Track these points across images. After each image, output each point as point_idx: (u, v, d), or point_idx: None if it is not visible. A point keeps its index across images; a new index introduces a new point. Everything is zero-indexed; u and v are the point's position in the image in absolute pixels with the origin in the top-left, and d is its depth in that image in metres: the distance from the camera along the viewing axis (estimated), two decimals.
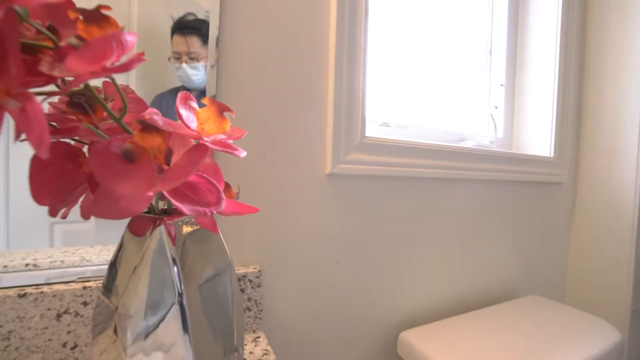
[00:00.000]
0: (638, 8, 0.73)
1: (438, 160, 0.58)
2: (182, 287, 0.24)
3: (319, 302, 0.49)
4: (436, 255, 0.61)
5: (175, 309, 0.24)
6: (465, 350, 0.47)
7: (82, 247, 0.37)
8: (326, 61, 0.48)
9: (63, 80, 0.21)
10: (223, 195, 0.24)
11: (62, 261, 0.36)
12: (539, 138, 0.80)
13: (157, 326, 0.23)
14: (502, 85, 0.83)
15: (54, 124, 0.23)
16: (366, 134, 0.52)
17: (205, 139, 0.23)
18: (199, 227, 0.28)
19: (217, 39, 0.41)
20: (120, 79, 0.35)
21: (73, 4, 0.20)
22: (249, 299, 0.42)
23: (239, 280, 0.42)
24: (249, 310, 0.42)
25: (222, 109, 0.23)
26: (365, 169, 0.49)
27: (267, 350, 0.38)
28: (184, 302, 0.24)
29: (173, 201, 0.21)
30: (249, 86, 0.43)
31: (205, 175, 0.24)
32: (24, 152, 0.33)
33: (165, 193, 0.22)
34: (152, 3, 0.39)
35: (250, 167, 0.44)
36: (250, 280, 0.42)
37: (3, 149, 0.34)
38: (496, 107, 0.78)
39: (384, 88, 0.67)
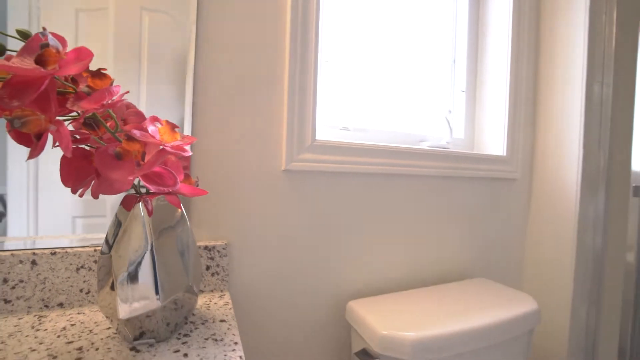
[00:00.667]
0: (578, 27, 0.82)
1: (386, 159, 0.71)
2: (152, 241, 0.39)
3: (277, 273, 0.62)
4: (386, 239, 0.73)
5: (148, 254, 0.38)
6: (397, 314, 0.59)
7: (97, 233, 0.52)
8: (282, 78, 0.61)
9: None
10: (178, 181, 0.38)
11: (82, 238, 0.51)
12: (494, 139, 0.90)
13: (136, 264, 0.37)
14: (462, 91, 0.94)
15: (77, 136, 0.38)
16: (317, 138, 0.65)
17: (166, 145, 0.37)
18: (168, 203, 0.43)
19: (194, 66, 0.56)
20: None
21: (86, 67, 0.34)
22: (217, 265, 0.56)
23: (209, 250, 0.56)
24: (217, 274, 0.56)
25: (173, 127, 0.37)
26: (316, 166, 0.63)
27: (228, 302, 0.52)
28: (154, 250, 0.38)
29: (145, 183, 0.35)
30: (219, 100, 0.57)
31: (167, 167, 0.38)
32: (50, 158, 0.48)
33: (140, 178, 0.36)
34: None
35: (222, 163, 0.58)
36: (218, 251, 0.56)
37: (33, 160, 0.49)
38: (450, 112, 0.89)
39: (348, 95, 0.80)
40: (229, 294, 0.56)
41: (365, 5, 0.81)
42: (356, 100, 0.81)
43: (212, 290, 0.56)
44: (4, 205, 0.47)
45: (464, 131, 0.94)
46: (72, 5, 0.56)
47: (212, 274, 0.56)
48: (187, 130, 0.56)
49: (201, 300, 0.52)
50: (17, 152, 0.48)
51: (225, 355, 0.37)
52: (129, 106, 0.45)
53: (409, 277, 0.76)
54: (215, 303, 0.52)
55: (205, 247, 0.55)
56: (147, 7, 0.58)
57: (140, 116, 0.44)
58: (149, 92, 0.55)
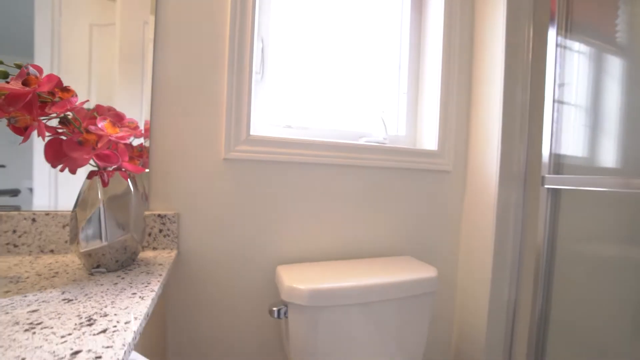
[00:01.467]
0: (497, 37, 0.94)
1: (317, 151, 0.87)
2: (103, 202, 0.57)
3: (217, 240, 0.81)
4: (319, 218, 0.89)
5: (98, 211, 0.57)
6: (308, 274, 0.76)
7: None
8: (222, 86, 0.79)
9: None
10: (121, 161, 0.56)
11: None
12: (429, 136, 1.04)
13: (90, 217, 0.56)
14: (404, 93, 1.08)
15: (59, 130, 0.58)
16: (252, 133, 0.82)
17: (111, 136, 0.55)
18: (118, 176, 0.62)
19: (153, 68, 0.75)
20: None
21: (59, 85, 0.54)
22: (168, 229, 0.75)
23: (162, 218, 0.75)
24: (168, 236, 0.75)
25: (114, 123, 0.56)
26: (250, 155, 0.80)
27: (171, 256, 0.71)
28: (103, 209, 0.57)
29: (96, 161, 0.54)
30: (172, 97, 0.76)
31: (114, 150, 0.57)
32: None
33: (94, 158, 0.55)
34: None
35: (174, 151, 0.77)
36: (169, 219, 0.75)
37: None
38: (383, 111, 1.03)
39: (293, 97, 0.97)
40: (177, 252, 0.75)
41: (312, 12, 0.98)
42: (300, 101, 0.98)
43: (163, 248, 0.75)
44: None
45: (406, 129, 1.08)
46: (87, 21, 0.77)
47: (164, 236, 0.75)
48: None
49: (152, 253, 0.71)
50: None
51: (149, 282, 0.55)
52: (110, 109, 0.64)
53: (340, 251, 0.92)
54: (162, 256, 0.70)
55: (159, 215, 0.75)
56: (148, 22, 0.78)
57: (121, 117, 0.63)
58: (155, 91, 0.75)
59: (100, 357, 0.32)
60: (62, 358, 0.32)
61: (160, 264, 0.64)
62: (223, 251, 0.81)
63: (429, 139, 1.04)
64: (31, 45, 0.76)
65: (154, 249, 0.75)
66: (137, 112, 0.76)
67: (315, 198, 0.89)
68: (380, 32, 1.06)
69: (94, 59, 0.78)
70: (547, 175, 0.89)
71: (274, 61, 0.94)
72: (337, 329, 0.71)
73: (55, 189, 0.72)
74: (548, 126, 0.90)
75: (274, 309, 0.71)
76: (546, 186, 0.89)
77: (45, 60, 0.76)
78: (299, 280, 0.71)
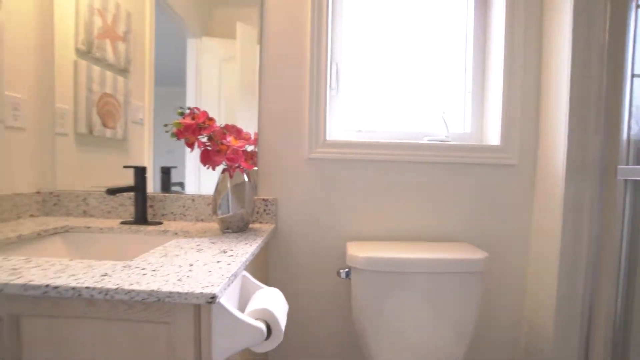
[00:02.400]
0: (565, 43, 0.95)
1: (383, 150, 1.07)
2: (229, 188, 0.92)
3: (303, 219, 1.10)
4: (387, 206, 1.09)
5: (227, 193, 0.92)
6: (369, 248, 0.97)
7: None
8: (305, 101, 1.08)
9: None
10: (242, 162, 0.90)
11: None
12: (494, 131, 1.11)
13: (222, 198, 0.91)
14: (469, 92, 1.17)
15: (208, 144, 0.95)
16: (327, 138, 1.08)
17: (234, 146, 0.89)
18: (239, 172, 0.96)
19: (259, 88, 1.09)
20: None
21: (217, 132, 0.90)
22: (270, 210, 1.08)
23: (266, 201, 1.08)
24: (269, 214, 1.08)
25: (236, 136, 0.89)
26: (325, 155, 1.06)
27: (271, 227, 1.03)
28: (230, 192, 0.92)
29: (227, 162, 0.89)
30: (271, 114, 1.09)
31: (238, 155, 0.91)
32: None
33: (225, 160, 0.90)
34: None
35: (274, 153, 1.09)
36: (270, 202, 1.08)
37: (196, 161, 1.11)
38: (444, 112, 1.14)
39: (364, 106, 1.19)
40: (275, 225, 1.07)
41: (380, 28, 1.18)
42: (369, 108, 1.19)
43: (266, 222, 1.08)
44: (183, 179, 1.12)
45: (472, 126, 1.17)
46: (217, 58, 1.18)
47: (267, 214, 1.08)
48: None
49: (258, 225, 1.05)
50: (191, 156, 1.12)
51: (255, 239, 0.87)
52: (235, 127, 1.01)
53: (401, 235, 1.10)
54: (265, 227, 1.03)
55: (264, 199, 1.08)
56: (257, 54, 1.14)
57: (239, 131, 0.99)
58: (261, 110, 1.12)
59: (230, 264, 0.63)
60: (212, 261, 0.64)
61: (263, 231, 0.97)
62: (305, 226, 1.10)
63: (493, 135, 1.11)
64: (184, 77, 1.19)
65: (260, 222, 1.09)
66: (251, 126, 1.12)
67: (380, 190, 1.09)
68: (443, 37, 1.18)
69: (222, 86, 1.17)
70: (620, 167, 0.88)
71: (346, 78, 1.18)
72: (387, 292, 0.91)
73: (198, 182, 1.13)
74: (626, 112, 0.88)
75: (341, 270, 0.96)
76: (620, 178, 0.88)
77: (191, 88, 1.18)
78: (359, 251, 0.93)
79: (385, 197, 1.09)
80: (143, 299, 0.50)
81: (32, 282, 0.52)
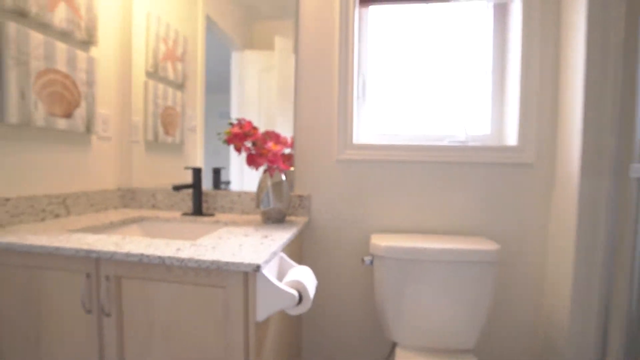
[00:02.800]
0: (580, 45, 1.00)
1: (404, 151, 1.19)
2: (270, 185, 1.10)
3: (333, 213, 1.25)
4: (407, 203, 1.21)
5: (268, 190, 1.09)
6: (391, 238, 1.10)
7: None
8: (334, 108, 1.23)
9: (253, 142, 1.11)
10: (280, 163, 1.07)
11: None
12: (511, 132, 1.18)
13: (264, 194, 1.09)
14: (488, 97, 1.25)
15: (252, 150, 1.14)
16: (354, 141, 1.22)
17: (273, 150, 1.06)
18: (277, 172, 1.13)
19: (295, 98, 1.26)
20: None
21: (261, 138, 1.09)
22: (304, 204, 1.24)
23: (301, 197, 1.24)
24: (303, 208, 1.24)
25: (275, 141, 1.06)
26: (352, 156, 1.20)
27: (305, 220, 1.20)
28: (270, 189, 1.09)
29: (267, 164, 1.07)
30: (304, 120, 1.25)
31: (277, 158, 1.08)
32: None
33: (267, 162, 1.07)
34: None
35: (308, 156, 1.25)
36: (305, 198, 1.24)
37: (239, 162, 1.31)
38: (462, 116, 1.22)
39: (388, 111, 1.31)
40: (308, 218, 1.23)
41: (403, 38, 1.29)
42: (393, 113, 1.31)
43: (301, 215, 1.25)
44: (227, 177, 1.32)
45: (491, 128, 1.24)
46: (257, 68, 1.37)
47: (301, 208, 1.25)
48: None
49: (294, 218, 1.22)
50: (235, 157, 1.32)
51: (291, 228, 1.03)
52: (275, 133, 1.18)
53: (421, 229, 1.21)
54: (299, 219, 1.20)
55: (299, 195, 1.25)
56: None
57: (279, 137, 1.17)
58: (296, 107, 1.29)
59: (270, 245, 0.80)
60: (257, 243, 0.81)
61: (298, 223, 1.13)
62: (335, 220, 1.25)
63: (512, 135, 1.18)
64: (228, 86, 1.39)
65: (295, 215, 1.26)
66: (287, 127, 1.29)
67: (402, 188, 1.21)
68: (464, 44, 1.26)
69: (261, 93, 1.36)
70: (633, 164, 0.92)
71: (372, 86, 1.31)
72: (406, 278, 1.03)
73: (242, 180, 1.33)
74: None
75: (364, 258, 1.09)
76: (633, 176, 0.92)
77: (235, 95, 1.38)
78: (381, 240, 1.06)
79: (407, 194, 1.21)
80: (207, 267, 0.69)
81: (131, 252, 0.72)
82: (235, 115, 1.35)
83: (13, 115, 0.95)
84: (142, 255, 0.71)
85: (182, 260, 0.70)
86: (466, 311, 1.02)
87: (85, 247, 0.75)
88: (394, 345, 1.09)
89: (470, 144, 1.18)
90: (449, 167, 1.19)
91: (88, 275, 0.78)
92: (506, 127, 1.22)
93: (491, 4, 1.23)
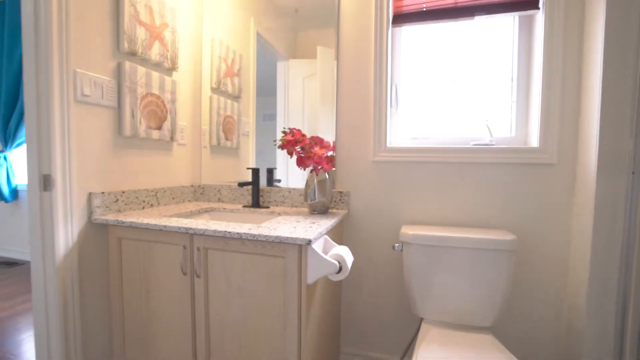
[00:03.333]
0: (598, 52, 1.10)
1: (432, 153, 1.36)
2: (315, 183, 1.33)
3: (370, 206, 1.45)
4: (437, 198, 1.38)
5: (314, 187, 1.33)
6: (419, 228, 1.28)
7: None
8: (370, 116, 1.43)
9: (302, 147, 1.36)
10: (325, 164, 1.31)
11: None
12: (535, 134, 1.30)
13: (311, 190, 1.33)
14: (514, 102, 1.38)
15: (302, 153, 1.38)
16: (387, 145, 1.42)
17: (318, 153, 1.29)
18: (322, 171, 1.37)
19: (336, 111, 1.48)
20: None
21: (307, 143, 1.33)
22: (344, 199, 1.47)
23: (341, 193, 1.47)
24: (343, 202, 1.47)
25: (320, 145, 1.30)
26: (386, 158, 1.40)
27: (345, 212, 1.42)
28: (315, 186, 1.33)
29: (314, 165, 1.31)
30: (345, 126, 1.48)
31: (322, 160, 1.31)
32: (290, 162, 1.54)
33: (313, 163, 1.31)
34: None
35: (347, 157, 1.48)
36: (344, 194, 1.47)
37: (285, 161, 1.56)
38: (487, 120, 1.36)
39: (421, 117, 1.49)
40: (347, 211, 1.45)
41: (434, 48, 1.47)
42: (424, 118, 1.48)
43: (341, 209, 1.47)
44: (272, 173, 1.58)
45: (517, 131, 1.37)
46: (300, 75, 1.62)
47: (342, 202, 1.47)
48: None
49: (335, 210, 1.44)
50: (283, 157, 1.58)
51: (333, 217, 1.26)
52: (319, 138, 1.42)
53: (451, 222, 1.37)
54: (340, 212, 1.42)
55: (340, 192, 1.47)
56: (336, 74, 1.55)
57: (323, 142, 1.40)
58: (338, 115, 1.53)
59: (317, 228, 1.03)
60: (307, 227, 1.05)
61: (339, 214, 1.36)
62: (370, 213, 1.46)
63: (534, 138, 1.30)
64: (275, 92, 1.65)
65: (336, 209, 1.48)
66: (327, 128, 1.52)
67: (430, 186, 1.38)
68: (491, 53, 1.41)
69: (305, 97, 1.60)
70: None
71: (404, 94, 1.50)
72: (430, 261, 1.21)
73: (287, 178, 1.58)
74: None
75: (395, 245, 1.29)
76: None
77: (281, 99, 1.63)
78: (409, 230, 1.25)
79: (435, 192, 1.38)
80: (272, 241, 0.94)
81: (217, 229, 1.00)
82: (281, 117, 1.62)
83: (127, 130, 1.29)
84: (225, 232, 0.98)
85: (254, 235, 0.95)
86: (483, 293, 1.18)
87: (183, 226, 1.04)
88: (421, 320, 1.27)
89: (495, 145, 1.32)
90: (475, 167, 1.34)
91: (184, 247, 1.07)
92: (530, 130, 1.34)
93: (517, 17, 1.36)
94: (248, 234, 0.96)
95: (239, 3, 1.66)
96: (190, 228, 1.03)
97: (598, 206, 1.12)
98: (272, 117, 1.64)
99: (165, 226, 1.06)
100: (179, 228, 1.04)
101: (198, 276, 1.06)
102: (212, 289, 1.06)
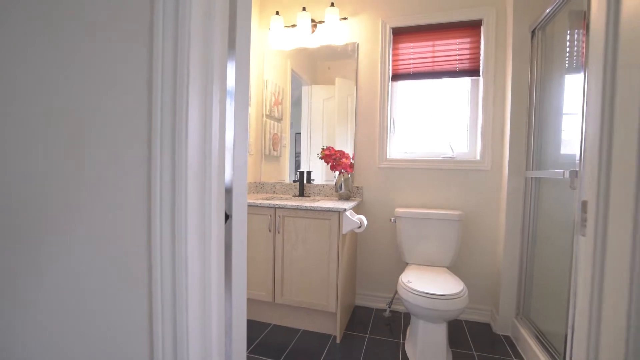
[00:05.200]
0: (508, 103, 1.94)
1: (416, 163, 2.21)
2: (342, 181, 2.18)
3: (377, 197, 2.30)
4: (421, 190, 2.23)
5: (342, 183, 2.18)
6: (408, 209, 2.13)
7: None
8: (376, 138, 2.29)
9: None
10: (347, 169, 2.16)
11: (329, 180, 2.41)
12: (478, 152, 2.14)
13: (339, 186, 2.18)
14: (467, 130, 2.22)
15: (334, 161, 2.23)
16: (387, 157, 2.26)
17: (343, 162, 2.14)
18: (346, 173, 2.22)
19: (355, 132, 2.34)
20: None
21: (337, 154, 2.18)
22: (360, 192, 2.32)
23: (358, 187, 2.32)
24: (359, 195, 2.32)
25: (345, 157, 2.15)
26: (386, 166, 2.26)
27: (360, 200, 2.27)
28: (342, 183, 2.18)
29: (343, 170, 2.16)
30: (360, 140, 2.33)
31: (346, 166, 2.16)
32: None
33: (341, 168, 2.16)
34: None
35: (361, 164, 2.33)
36: (359, 188, 2.32)
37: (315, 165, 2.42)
38: (450, 142, 2.20)
39: (409, 138, 2.34)
40: (361, 199, 2.31)
41: (419, 94, 2.32)
42: (412, 139, 2.33)
43: (358, 198, 2.32)
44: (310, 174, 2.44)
45: (469, 148, 2.21)
46: (321, 98, 2.48)
47: (358, 194, 2.33)
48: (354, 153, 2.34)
49: (354, 199, 2.29)
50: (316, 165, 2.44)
51: (354, 202, 2.11)
52: (343, 153, 2.27)
53: (427, 206, 2.22)
54: (357, 200, 2.27)
55: (357, 186, 2.33)
56: (351, 94, 2.39)
57: (345, 155, 2.25)
58: (356, 136, 2.39)
59: (345, 208, 1.89)
60: (338, 205, 1.91)
61: (356, 201, 2.21)
62: (376, 200, 2.31)
63: (479, 153, 2.14)
64: (300, 108, 2.50)
65: (354, 198, 2.34)
66: (342, 140, 2.37)
67: (415, 183, 2.23)
68: (454, 101, 2.25)
69: (324, 116, 2.45)
70: (527, 170, 1.85)
71: (399, 124, 2.35)
72: (414, 229, 2.05)
73: (323, 178, 2.44)
74: (525, 132, 1.86)
75: (391, 218, 2.14)
76: (528, 176, 1.86)
77: (305, 117, 2.48)
78: (401, 209, 2.10)
79: (417, 187, 2.22)
80: (322, 210, 1.80)
81: (291, 204, 1.86)
82: (305, 130, 2.47)
83: (251, 151, 2.16)
84: (297, 205, 1.84)
85: (314, 207, 1.81)
86: (444, 246, 2.02)
87: (270, 203, 1.90)
88: (406, 264, 2.11)
89: (455, 158, 2.16)
90: (442, 172, 2.18)
91: (270, 216, 1.93)
92: (477, 148, 2.19)
93: (469, 80, 2.21)
94: (309, 206, 1.81)
95: (282, 53, 2.52)
96: (274, 204, 1.89)
97: (509, 195, 1.96)
98: (299, 134, 2.51)
99: (260, 203, 1.92)
100: (268, 204, 1.90)
101: (278, 232, 1.92)
102: (286, 240, 1.91)
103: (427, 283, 1.66)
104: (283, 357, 1.72)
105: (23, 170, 0.78)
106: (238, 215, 0.79)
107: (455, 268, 2.19)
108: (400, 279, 1.75)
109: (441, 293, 1.53)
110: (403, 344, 1.85)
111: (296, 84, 2.52)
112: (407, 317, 2.19)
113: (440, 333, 1.61)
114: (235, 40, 0.75)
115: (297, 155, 2.53)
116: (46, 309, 0.78)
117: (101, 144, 0.72)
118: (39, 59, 0.76)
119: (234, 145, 0.76)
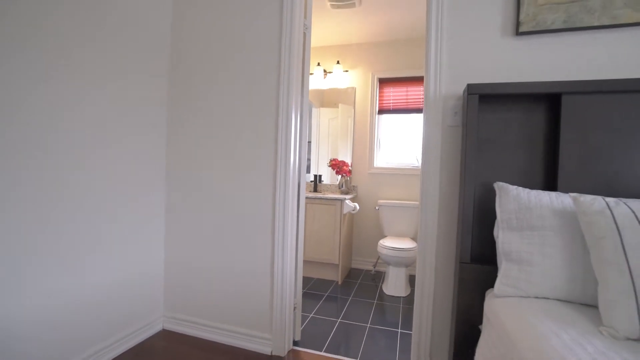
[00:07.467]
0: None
1: (394, 170, 3.34)
2: (343, 182, 3.30)
3: (368, 192, 3.43)
4: (394, 188, 3.35)
5: (343, 182, 3.29)
6: (387, 201, 3.24)
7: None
8: (367, 151, 3.41)
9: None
10: (347, 173, 3.28)
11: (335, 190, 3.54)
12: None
13: (340, 184, 3.30)
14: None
15: (339, 168, 3.34)
16: (374, 165, 3.39)
17: (344, 167, 3.25)
18: (347, 177, 3.35)
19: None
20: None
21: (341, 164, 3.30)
22: (355, 189, 3.44)
23: (355, 186, 3.44)
24: (354, 192, 3.44)
25: (345, 165, 3.28)
26: (373, 172, 3.38)
27: (355, 194, 3.39)
28: (344, 182, 3.29)
29: (343, 174, 3.28)
30: (356, 152, 3.46)
31: (346, 172, 3.27)
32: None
33: (343, 173, 3.28)
34: None
35: (357, 169, 3.45)
36: (355, 187, 3.45)
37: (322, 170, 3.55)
38: (416, 156, 3.32)
39: (390, 151, 3.46)
40: (356, 194, 3.43)
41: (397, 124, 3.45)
42: (391, 152, 3.46)
43: (354, 193, 3.45)
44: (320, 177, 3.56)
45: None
46: (327, 118, 3.61)
47: (354, 190, 3.45)
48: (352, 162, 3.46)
49: (351, 194, 3.41)
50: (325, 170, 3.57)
51: (350, 195, 3.23)
52: (344, 162, 3.39)
53: (401, 199, 3.34)
54: (353, 194, 3.39)
55: (353, 185, 3.45)
56: (350, 116, 3.51)
57: (345, 164, 3.36)
58: (353, 150, 3.51)
59: (345, 198, 3.01)
60: (341, 197, 3.04)
61: (353, 195, 3.33)
62: (366, 195, 3.43)
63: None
64: (311, 128, 3.62)
65: (351, 193, 3.45)
66: (344, 151, 3.48)
67: (393, 184, 3.35)
68: (420, 127, 3.38)
69: (329, 133, 3.57)
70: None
71: (383, 142, 3.47)
72: (391, 214, 3.16)
73: (328, 179, 3.56)
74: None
75: (376, 207, 3.26)
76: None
77: (314, 134, 3.60)
78: (382, 201, 3.22)
79: (393, 187, 3.34)
80: (330, 199, 2.93)
81: (313, 195, 2.98)
82: (314, 144, 3.58)
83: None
84: (314, 196, 2.96)
85: (325, 197, 2.94)
86: (411, 224, 3.13)
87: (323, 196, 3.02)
88: (385, 236, 3.22)
89: (418, 167, 3.28)
90: (409, 176, 3.30)
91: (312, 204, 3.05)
92: None
93: None
94: (322, 197, 2.93)
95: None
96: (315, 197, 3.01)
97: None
98: (309, 142, 3.63)
99: (322, 197, 3.04)
100: (324, 197, 3.02)
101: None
102: (307, 217, 3.03)
103: (394, 243, 2.78)
104: (305, 290, 2.83)
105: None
106: (302, 200, 1.90)
107: (415, 237, 3.31)
108: (379, 242, 2.87)
109: (401, 247, 2.66)
110: (381, 286, 2.97)
111: (310, 108, 3.65)
112: (384, 274, 3.31)
113: (402, 272, 2.73)
114: (301, 97, 1.87)
115: (308, 160, 3.63)
116: (210, 238, 1.90)
117: (250, 144, 1.84)
118: (225, 97, 1.89)
119: (299, 159, 1.87)
